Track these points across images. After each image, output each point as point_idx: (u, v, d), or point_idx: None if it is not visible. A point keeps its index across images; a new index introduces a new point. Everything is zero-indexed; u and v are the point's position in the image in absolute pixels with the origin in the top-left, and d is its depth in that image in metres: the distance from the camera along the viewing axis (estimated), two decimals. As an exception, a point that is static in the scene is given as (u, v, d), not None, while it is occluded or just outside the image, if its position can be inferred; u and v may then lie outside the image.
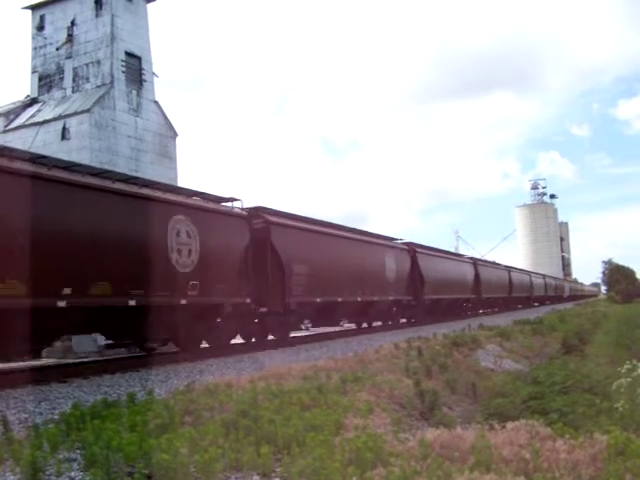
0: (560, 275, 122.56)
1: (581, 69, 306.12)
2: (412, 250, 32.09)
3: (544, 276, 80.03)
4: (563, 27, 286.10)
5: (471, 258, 46.38)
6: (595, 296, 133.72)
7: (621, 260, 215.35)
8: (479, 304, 44.78)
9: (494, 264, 55.16)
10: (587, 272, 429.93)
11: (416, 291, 31.17)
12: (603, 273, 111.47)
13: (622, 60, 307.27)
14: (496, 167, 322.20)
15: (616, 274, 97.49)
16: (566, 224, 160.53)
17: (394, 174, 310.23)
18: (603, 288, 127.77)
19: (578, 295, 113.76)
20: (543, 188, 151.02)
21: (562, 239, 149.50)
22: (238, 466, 5.89)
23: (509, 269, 57.01)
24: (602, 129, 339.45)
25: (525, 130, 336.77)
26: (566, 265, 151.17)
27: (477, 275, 43.12)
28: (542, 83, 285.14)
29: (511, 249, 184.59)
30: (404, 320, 31.55)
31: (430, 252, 35.65)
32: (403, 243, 32.28)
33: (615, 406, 9.24)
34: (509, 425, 6.96)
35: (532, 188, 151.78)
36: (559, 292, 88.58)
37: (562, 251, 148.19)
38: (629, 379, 9.54)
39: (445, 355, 15.96)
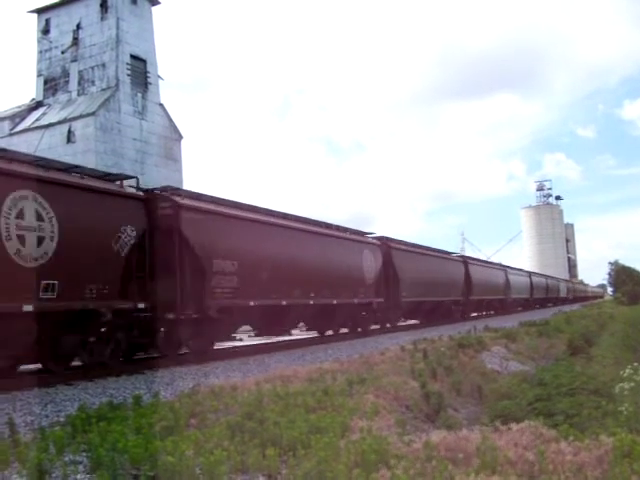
0: (566, 276, 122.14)
1: (586, 69, 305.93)
2: (172, 205, 15.33)
3: (530, 273, 65.58)
4: (568, 27, 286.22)
5: (379, 238, 28.42)
6: (600, 297, 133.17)
7: (627, 261, 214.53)
8: (397, 312, 28.80)
9: (438, 252, 37.53)
10: (593, 273, 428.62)
11: (196, 295, 15.31)
12: (609, 274, 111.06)
13: (628, 60, 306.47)
14: (501, 168, 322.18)
15: (622, 275, 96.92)
16: (572, 225, 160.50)
17: (399, 176, 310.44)
18: (609, 289, 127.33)
19: (580, 297, 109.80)
20: (549, 189, 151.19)
21: (568, 240, 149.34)
22: (243, 468, 5.89)
23: (466, 261, 41.47)
24: (607, 130, 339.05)
25: (530, 131, 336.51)
26: (572, 266, 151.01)
27: (392, 266, 27.76)
28: (547, 84, 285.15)
29: (517, 251, 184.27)
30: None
31: (254, 217, 18.48)
32: (163, 188, 16.11)
33: (619, 409, 9.21)
34: (514, 427, 6.95)
35: (538, 189, 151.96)
36: (552, 294, 75.42)
37: (568, 252, 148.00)
38: (632, 384, 9.52)
39: (451, 357, 15.95)
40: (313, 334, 23.97)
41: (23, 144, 26.36)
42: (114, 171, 19.01)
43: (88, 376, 12.49)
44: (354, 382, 10.27)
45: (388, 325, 28.18)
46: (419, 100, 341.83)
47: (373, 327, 26.63)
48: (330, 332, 24.15)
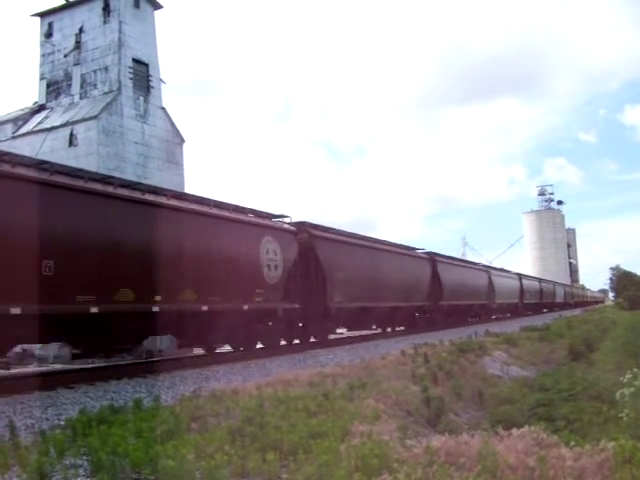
0: (567, 281, 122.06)
1: (587, 74, 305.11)
2: None
3: (520, 276, 58.72)
4: (569, 31, 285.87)
5: (297, 224, 21.36)
6: (601, 302, 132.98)
7: (628, 266, 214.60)
8: (324, 321, 21.87)
9: (392, 246, 30.20)
10: (595, 278, 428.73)
11: None
12: (610, 279, 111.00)
13: (629, 64, 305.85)
14: (503, 173, 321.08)
15: (624, 280, 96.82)
16: (573, 230, 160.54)
17: (400, 180, 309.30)
18: (611, 295, 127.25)
19: (580, 302, 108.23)
20: (550, 194, 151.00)
21: (569, 245, 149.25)
22: (244, 473, 5.88)
23: (434, 258, 34.67)
24: (609, 135, 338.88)
25: (532, 136, 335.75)
26: (574, 271, 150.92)
27: (315, 262, 21.14)
28: (548, 88, 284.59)
29: (519, 256, 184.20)
30: None
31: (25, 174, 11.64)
32: None
33: (620, 415, 9.20)
34: (515, 432, 6.94)
35: (539, 194, 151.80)
36: (547, 298, 70.12)
37: (569, 257, 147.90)
38: (632, 389, 9.50)
39: (452, 362, 15.94)
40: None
41: (26, 147, 26.35)
42: (116, 174, 18.97)
43: (89, 379, 12.49)
44: (355, 386, 10.26)
45: (313, 339, 21.76)
46: (421, 104, 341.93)
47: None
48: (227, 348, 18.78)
